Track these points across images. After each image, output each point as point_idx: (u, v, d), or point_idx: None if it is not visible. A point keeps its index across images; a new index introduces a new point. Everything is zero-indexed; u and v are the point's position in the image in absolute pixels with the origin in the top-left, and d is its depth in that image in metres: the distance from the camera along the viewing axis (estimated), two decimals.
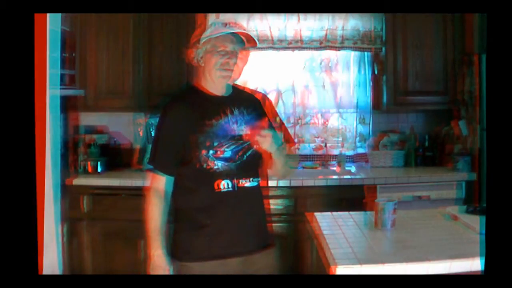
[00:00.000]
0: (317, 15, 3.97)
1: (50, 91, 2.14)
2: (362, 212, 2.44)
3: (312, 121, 4.17)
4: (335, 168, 4.01)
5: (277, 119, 3.80)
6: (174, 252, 2.02)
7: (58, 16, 2.28)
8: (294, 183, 3.51)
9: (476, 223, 2.08)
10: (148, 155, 2.14)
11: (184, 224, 2.03)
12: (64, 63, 3.51)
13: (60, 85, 3.04)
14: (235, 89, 2.14)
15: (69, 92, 3.70)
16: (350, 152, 4.13)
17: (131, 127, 4.08)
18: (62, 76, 3.46)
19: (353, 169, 3.96)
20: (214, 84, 2.05)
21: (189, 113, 2.02)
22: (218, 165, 1.97)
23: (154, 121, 3.58)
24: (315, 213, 2.39)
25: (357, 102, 4.13)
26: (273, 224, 2.90)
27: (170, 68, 3.81)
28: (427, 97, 3.91)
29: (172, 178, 2.03)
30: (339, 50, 4.05)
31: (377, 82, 4.08)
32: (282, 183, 3.50)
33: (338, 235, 2.07)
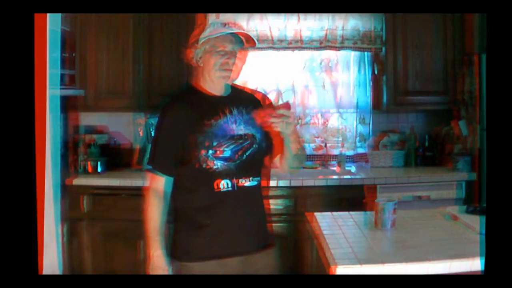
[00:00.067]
0: (317, 15, 3.97)
1: (50, 91, 2.14)
2: (362, 212, 2.44)
3: (312, 121, 4.18)
4: (335, 168, 4.01)
5: None
6: (173, 252, 2.02)
7: (58, 16, 2.28)
8: (294, 183, 3.51)
9: (476, 223, 2.08)
10: (147, 155, 2.14)
11: (183, 224, 2.02)
12: (64, 63, 3.51)
13: (60, 85, 3.04)
14: (234, 89, 2.14)
15: (69, 92, 3.70)
16: (350, 152, 4.13)
17: (131, 127, 4.08)
18: (62, 76, 3.46)
19: (353, 169, 3.96)
20: (213, 84, 2.05)
21: (188, 113, 2.02)
22: (218, 165, 1.97)
23: (154, 121, 3.58)
24: (315, 213, 2.39)
25: (357, 102, 4.14)
26: (273, 224, 2.90)
27: (170, 68, 3.81)
28: (427, 97, 3.91)
29: (171, 179, 2.03)
30: (339, 50, 4.05)
31: (377, 82, 4.08)
32: (282, 183, 3.50)
33: (338, 235, 2.07)
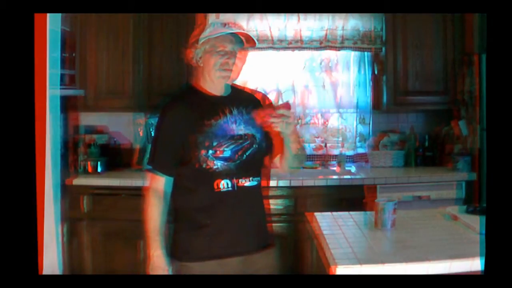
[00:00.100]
0: (317, 15, 3.97)
1: (50, 91, 2.14)
2: (362, 212, 2.44)
3: (312, 121, 4.18)
4: (335, 168, 4.01)
5: None
6: (173, 252, 2.02)
7: (58, 16, 2.28)
8: (294, 183, 3.51)
9: (476, 223, 2.08)
10: (147, 155, 2.14)
11: (183, 224, 2.02)
12: (64, 63, 3.51)
13: (60, 85, 3.04)
14: (234, 89, 2.14)
15: (69, 92, 3.70)
16: (350, 152, 4.13)
17: (131, 127, 4.08)
18: (62, 76, 3.46)
19: (353, 169, 3.96)
20: (213, 84, 2.05)
21: (188, 113, 2.02)
22: (218, 165, 1.97)
23: (154, 121, 3.58)
24: (315, 213, 2.39)
25: (357, 102, 4.14)
26: (273, 224, 2.90)
27: (170, 68, 3.81)
28: (427, 97, 3.91)
29: (171, 179, 2.03)
30: (339, 50, 4.05)
31: (377, 82, 4.08)
32: (282, 183, 3.50)
33: (338, 235, 2.07)
